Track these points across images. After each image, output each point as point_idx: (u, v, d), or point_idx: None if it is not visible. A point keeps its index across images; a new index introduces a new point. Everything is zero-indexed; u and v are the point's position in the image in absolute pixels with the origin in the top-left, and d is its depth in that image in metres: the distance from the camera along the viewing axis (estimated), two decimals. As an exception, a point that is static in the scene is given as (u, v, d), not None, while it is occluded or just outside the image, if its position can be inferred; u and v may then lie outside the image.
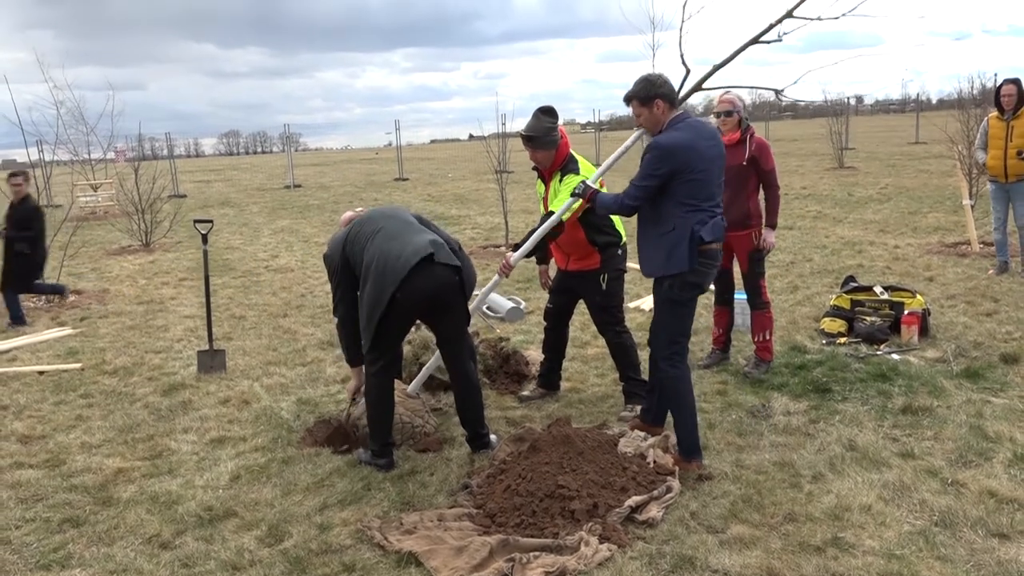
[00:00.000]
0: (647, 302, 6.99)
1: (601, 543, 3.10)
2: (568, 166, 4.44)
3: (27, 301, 8.07)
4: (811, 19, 4.29)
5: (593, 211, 4.13)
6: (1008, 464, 3.67)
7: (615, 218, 4.47)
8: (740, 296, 5.38)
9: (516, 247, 4.40)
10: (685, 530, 3.23)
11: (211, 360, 5.78)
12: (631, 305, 6.96)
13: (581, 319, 5.70)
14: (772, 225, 5.06)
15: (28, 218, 7.74)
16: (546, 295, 4.96)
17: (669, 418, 4.04)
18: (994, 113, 7.64)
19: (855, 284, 6.35)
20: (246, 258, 11.41)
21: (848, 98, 36.96)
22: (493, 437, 4.16)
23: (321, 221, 15.85)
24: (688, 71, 4.29)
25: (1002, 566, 2.89)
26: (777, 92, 4.65)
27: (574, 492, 3.37)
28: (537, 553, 3.06)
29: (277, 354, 6.19)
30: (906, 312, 5.73)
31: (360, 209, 4.43)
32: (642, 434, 4.00)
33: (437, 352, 4.36)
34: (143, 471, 4.10)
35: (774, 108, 49.72)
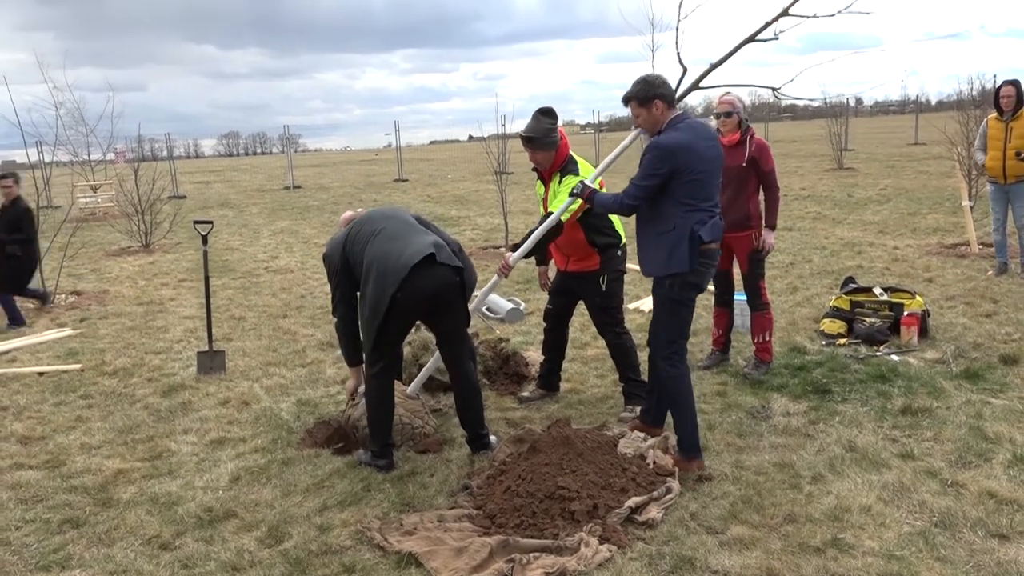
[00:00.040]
0: (647, 303, 6.99)
1: (601, 544, 3.10)
2: (568, 167, 4.44)
3: (24, 304, 8.06)
4: (807, 17, 4.31)
5: (592, 211, 4.14)
6: (1008, 465, 3.68)
7: (615, 219, 4.48)
8: (740, 297, 5.38)
9: (515, 247, 4.40)
10: (685, 531, 3.24)
11: (211, 361, 5.78)
12: (631, 306, 6.97)
13: (581, 320, 5.70)
14: (772, 226, 5.06)
15: (19, 220, 7.74)
16: (546, 296, 4.96)
17: (669, 419, 4.04)
18: (993, 114, 7.65)
19: (855, 285, 6.35)
20: (246, 259, 11.41)
21: (847, 99, 36.95)
22: (493, 438, 4.16)
23: (321, 222, 15.85)
24: (685, 70, 4.31)
25: (1002, 567, 2.89)
26: (774, 90, 4.67)
27: (574, 493, 3.37)
28: (537, 554, 3.06)
29: (277, 355, 6.19)
30: (906, 313, 5.74)
31: (360, 209, 4.43)
32: (642, 435, 4.00)
33: (437, 353, 4.36)
34: (143, 472, 4.10)
35: (773, 109, 49.80)
